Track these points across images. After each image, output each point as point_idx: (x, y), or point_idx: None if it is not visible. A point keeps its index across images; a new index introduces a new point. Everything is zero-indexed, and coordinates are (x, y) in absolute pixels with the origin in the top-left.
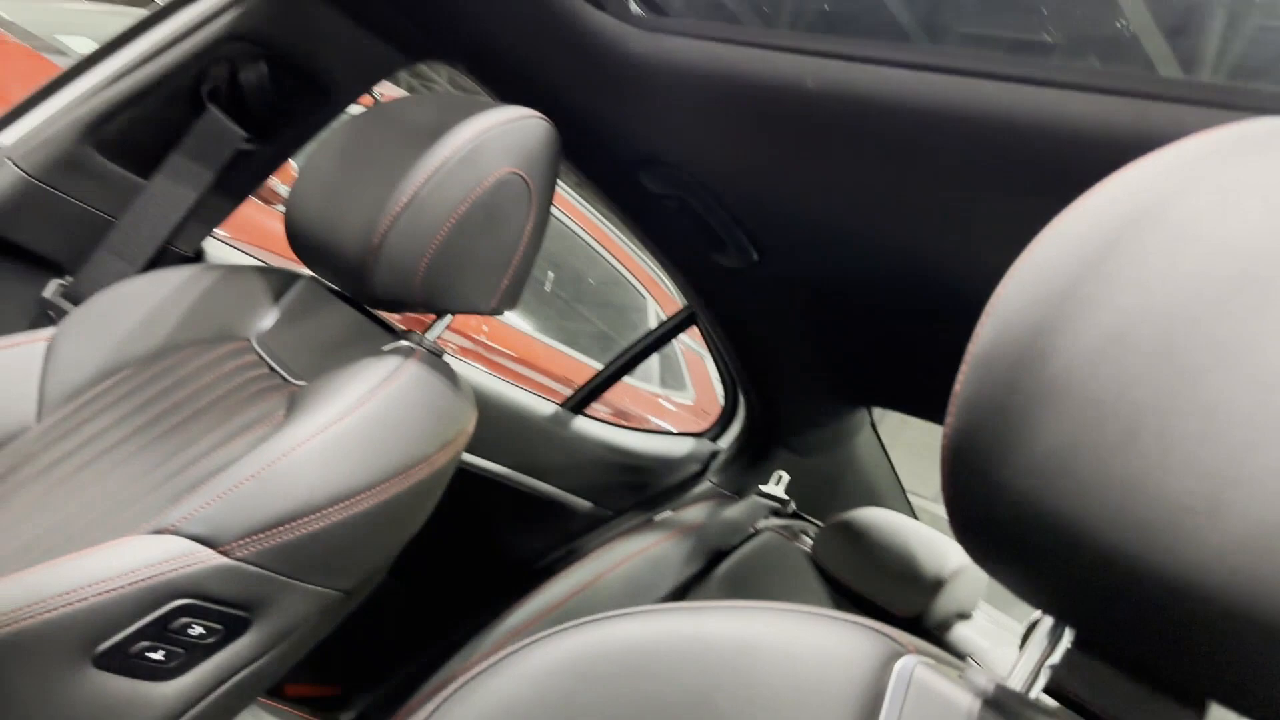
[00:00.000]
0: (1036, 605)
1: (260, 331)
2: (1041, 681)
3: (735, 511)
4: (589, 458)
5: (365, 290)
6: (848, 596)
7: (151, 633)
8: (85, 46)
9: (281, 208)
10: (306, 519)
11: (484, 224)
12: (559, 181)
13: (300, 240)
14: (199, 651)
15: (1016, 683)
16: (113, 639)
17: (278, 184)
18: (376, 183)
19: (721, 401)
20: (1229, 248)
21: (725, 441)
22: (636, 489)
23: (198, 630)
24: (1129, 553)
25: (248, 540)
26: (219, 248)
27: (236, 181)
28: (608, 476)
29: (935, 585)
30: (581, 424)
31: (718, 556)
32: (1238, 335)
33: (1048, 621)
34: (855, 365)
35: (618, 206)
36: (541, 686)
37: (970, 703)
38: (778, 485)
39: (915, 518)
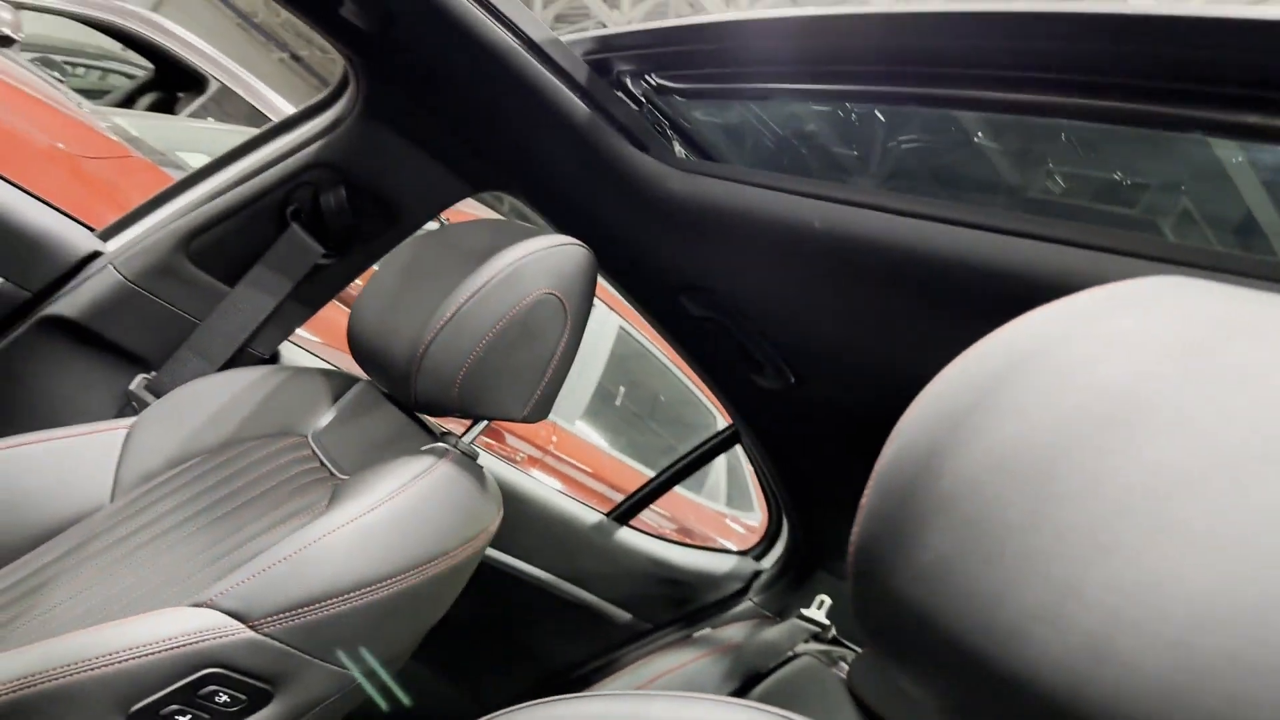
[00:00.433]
0: (931, 706)
1: (317, 429)
2: None
3: (774, 633)
4: (631, 568)
5: (409, 395)
6: None
7: (182, 697)
8: (199, 161)
9: None
10: (331, 601)
11: (520, 339)
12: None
13: (358, 346)
14: (223, 719)
15: None
16: (146, 700)
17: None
18: (427, 298)
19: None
20: (1099, 390)
21: (768, 561)
22: (677, 603)
23: (224, 698)
24: (992, 657)
25: (276, 617)
26: (293, 350)
27: (312, 292)
28: (649, 589)
29: None
30: (625, 535)
31: (754, 678)
32: (1096, 466)
33: None
34: None
35: (662, 327)
36: None
37: None
38: (819, 609)
39: None
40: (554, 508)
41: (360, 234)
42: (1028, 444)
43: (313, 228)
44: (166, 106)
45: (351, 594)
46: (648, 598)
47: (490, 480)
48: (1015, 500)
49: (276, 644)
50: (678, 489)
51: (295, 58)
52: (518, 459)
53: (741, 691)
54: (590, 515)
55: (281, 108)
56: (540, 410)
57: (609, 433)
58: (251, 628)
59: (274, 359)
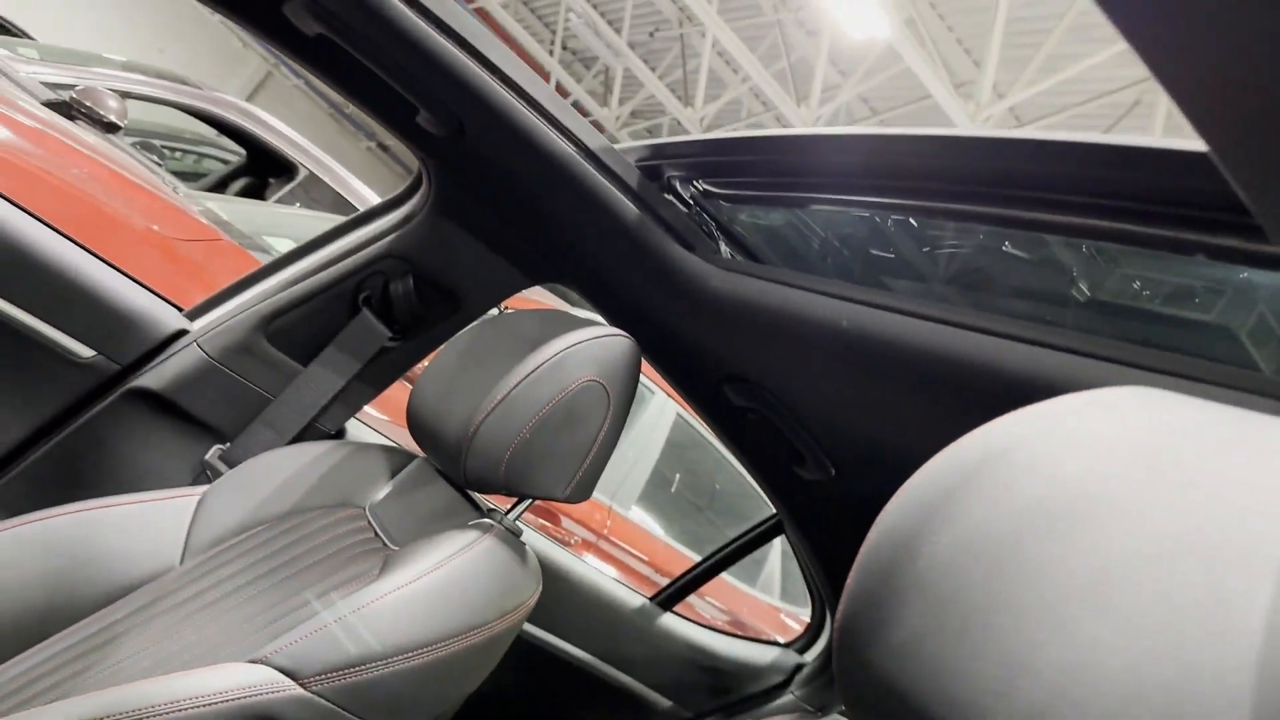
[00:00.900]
0: None
1: (374, 501)
2: None
3: None
4: (672, 654)
5: (460, 472)
6: None
7: None
8: (284, 246)
9: None
10: (376, 664)
11: (565, 423)
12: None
13: (416, 425)
14: None
15: None
16: None
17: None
18: (480, 382)
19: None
20: (1057, 485)
21: (811, 654)
22: (718, 693)
23: None
24: None
25: (325, 676)
26: (358, 427)
27: (378, 373)
28: (690, 676)
29: None
30: (668, 620)
31: None
32: (1049, 553)
33: None
34: None
35: (707, 415)
36: None
37: None
38: None
39: None
40: (597, 588)
41: (425, 320)
42: (992, 531)
43: (382, 313)
44: (257, 191)
45: (395, 658)
46: (688, 685)
47: (531, 556)
48: (980, 582)
49: (324, 702)
50: (732, 580)
51: (382, 146)
52: (571, 542)
53: None
54: (633, 598)
55: (365, 194)
56: (581, 491)
57: (665, 520)
58: (302, 685)
59: (340, 434)
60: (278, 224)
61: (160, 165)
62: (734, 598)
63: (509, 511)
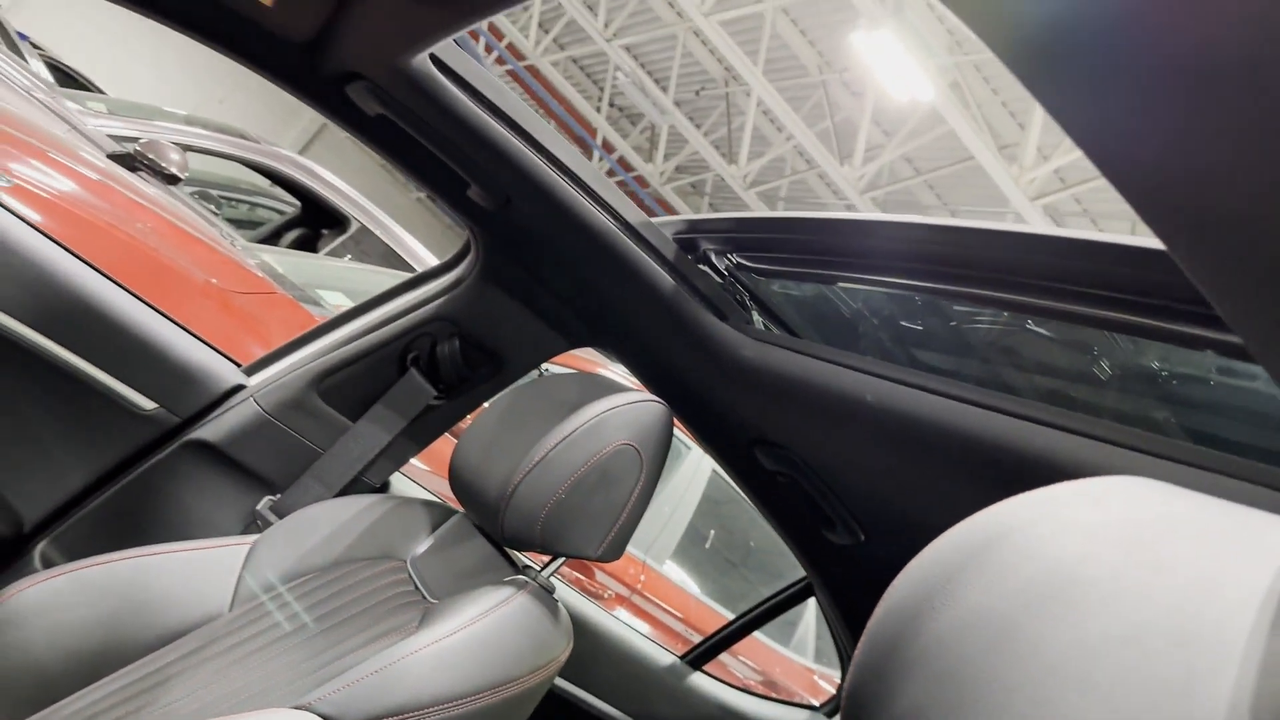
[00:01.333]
0: None
1: (415, 555)
2: None
3: None
4: (701, 713)
5: (498, 529)
6: None
7: None
8: (335, 299)
9: None
10: (411, 714)
11: (599, 485)
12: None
13: (457, 482)
14: None
15: None
16: None
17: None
18: (520, 442)
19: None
20: (1049, 568)
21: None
22: None
23: None
24: None
25: None
26: (401, 480)
27: (423, 430)
28: None
29: None
30: (697, 679)
31: None
32: (1038, 633)
33: None
34: None
35: (737, 477)
36: None
37: None
38: None
39: None
40: (628, 646)
41: (469, 380)
42: (990, 611)
43: (428, 373)
44: (311, 241)
45: (430, 708)
46: None
47: (563, 613)
48: (976, 659)
49: None
50: (766, 640)
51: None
52: (605, 596)
53: None
54: (664, 656)
55: (414, 247)
56: (613, 551)
57: (699, 576)
58: None
59: (385, 488)
60: (328, 277)
61: (217, 214)
62: (767, 658)
63: (543, 569)
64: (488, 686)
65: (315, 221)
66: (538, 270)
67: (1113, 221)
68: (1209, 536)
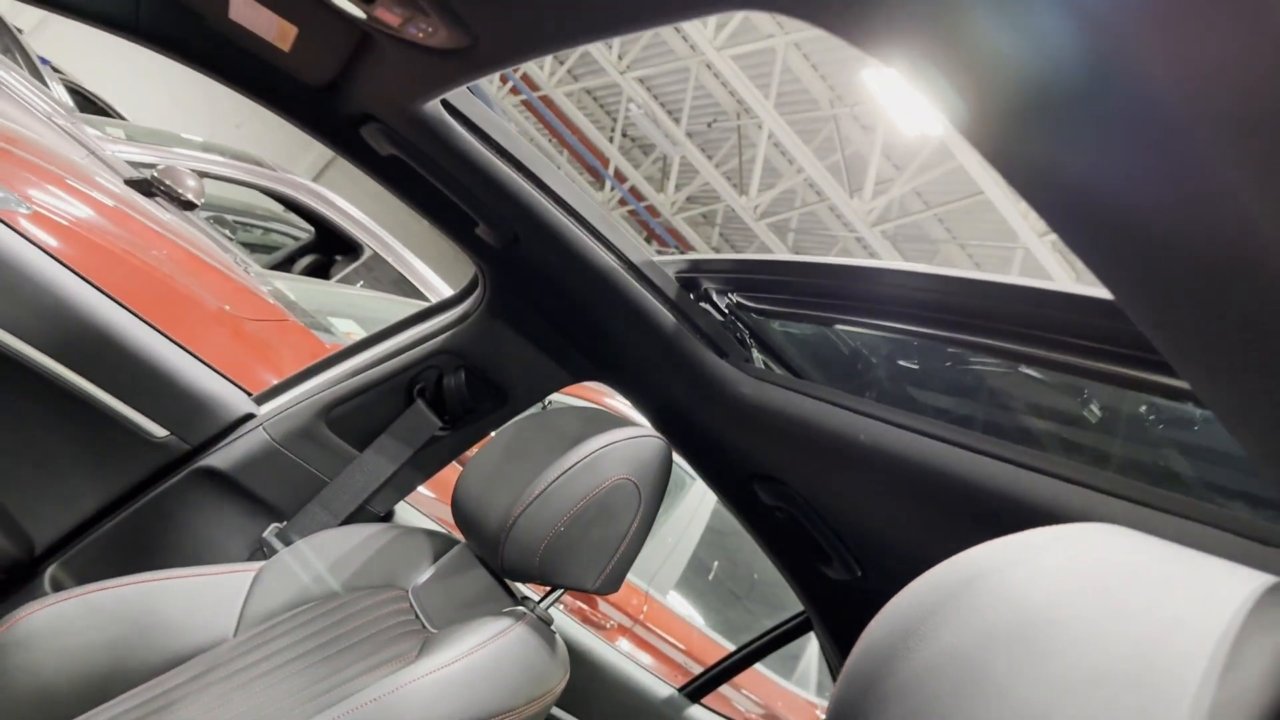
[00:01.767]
0: None
1: (416, 584)
2: None
3: None
4: None
5: (498, 560)
6: None
7: None
8: (346, 326)
9: None
10: None
11: (598, 518)
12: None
13: (459, 513)
14: None
15: None
16: None
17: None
18: (521, 475)
19: None
20: (1022, 612)
21: None
22: None
23: None
24: None
25: None
26: (405, 509)
27: (427, 460)
28: None
29: None
30: (695, 712)
31: None
32: (1006, 673)
33: None
34: None
35: (736, 511)
36: None
37: None
38: None
39: None
40: (626, 677)
41: (474, 412)
42: (961, 652)
43: (434, 404)
44: (324, 267)
45: None
46: None
47: (560, 645)
48: (947, 698)
49: None
50: (770, 675)
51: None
52: (607, 626)
53: None
54: (662, 689)
55: (425, 274)
56: (610, 584)
57: (703, 608)
58: None
59: (389, 517)
60: (340, 304)
61: (232, 240)
62: (770, 691)
63: (542, 600)
64: (484, 716)
65: (328, 248)
66: (543, 306)
67: None
68: (1170, 583)
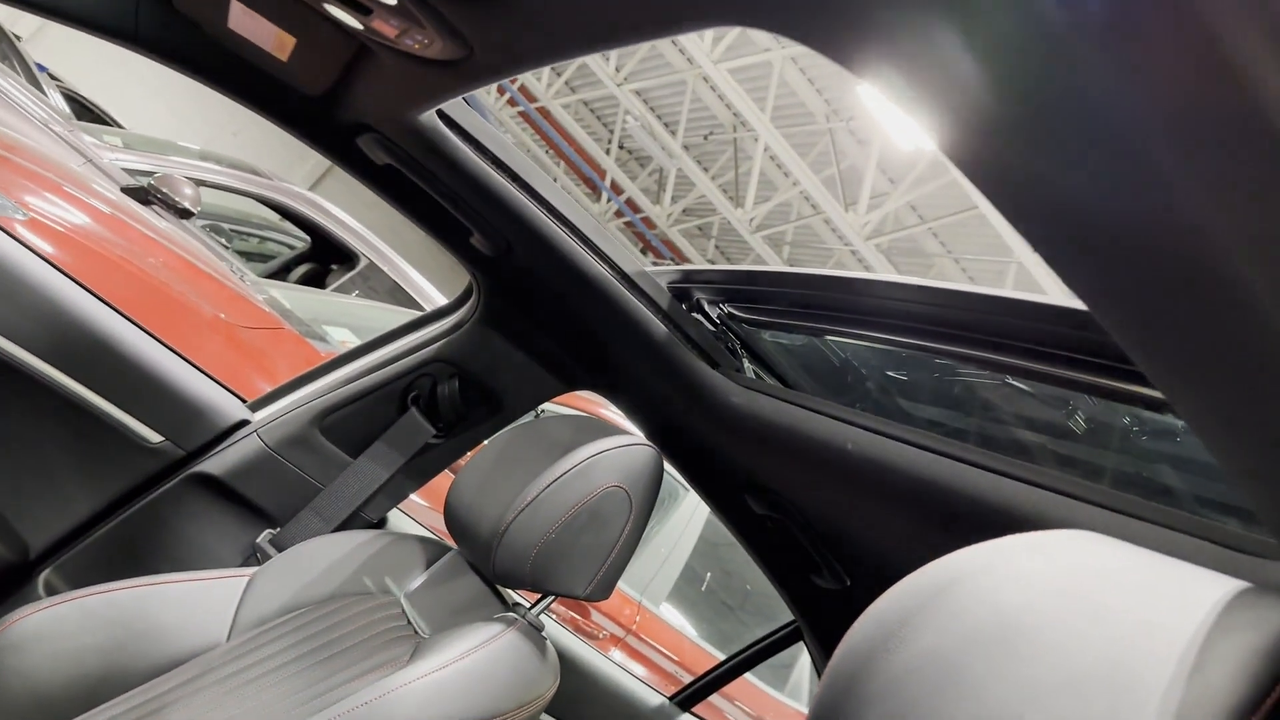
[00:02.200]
0: None
1: (409, 590)
2: None
3: None
4: None
5: (490, 567)
6: None
7: None
8: (341, 335)
9: None
10: None
11: (588, 526)
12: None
13: (451, 519)
14: None
15: None
16: None
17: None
18: (513, 482)
19: None
20: (999, 616)
21: None
22: None
23: None
24: None
25: None
26: (398, 516)
27: (421, 468)
28: None
29: None
30: None
31: None
32: (983, 675)
33: None
34: None
35: (727, 520)
36: None
37: None
38: None
39: None
40: (616, 685)
41: (468, 420)
42: (938, 654)
43: (428, 412)
44: (320, 276)
45: None
46: None
47: (551, 651)
48: (924, 699)
49: None
50: (761, 685)
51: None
52: (599, 636)
53: None
54: (652, 697)
55: (420, 284)
56: (601, 590)
57: (695, 619)
58: None
59: (382, 524)
60: (335, 313)
61: (227, 248)
62: (761, 702)
63: (533, 607)
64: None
65: (324, 257)
66: (536, 315)
67: None
68: (1143, 588)
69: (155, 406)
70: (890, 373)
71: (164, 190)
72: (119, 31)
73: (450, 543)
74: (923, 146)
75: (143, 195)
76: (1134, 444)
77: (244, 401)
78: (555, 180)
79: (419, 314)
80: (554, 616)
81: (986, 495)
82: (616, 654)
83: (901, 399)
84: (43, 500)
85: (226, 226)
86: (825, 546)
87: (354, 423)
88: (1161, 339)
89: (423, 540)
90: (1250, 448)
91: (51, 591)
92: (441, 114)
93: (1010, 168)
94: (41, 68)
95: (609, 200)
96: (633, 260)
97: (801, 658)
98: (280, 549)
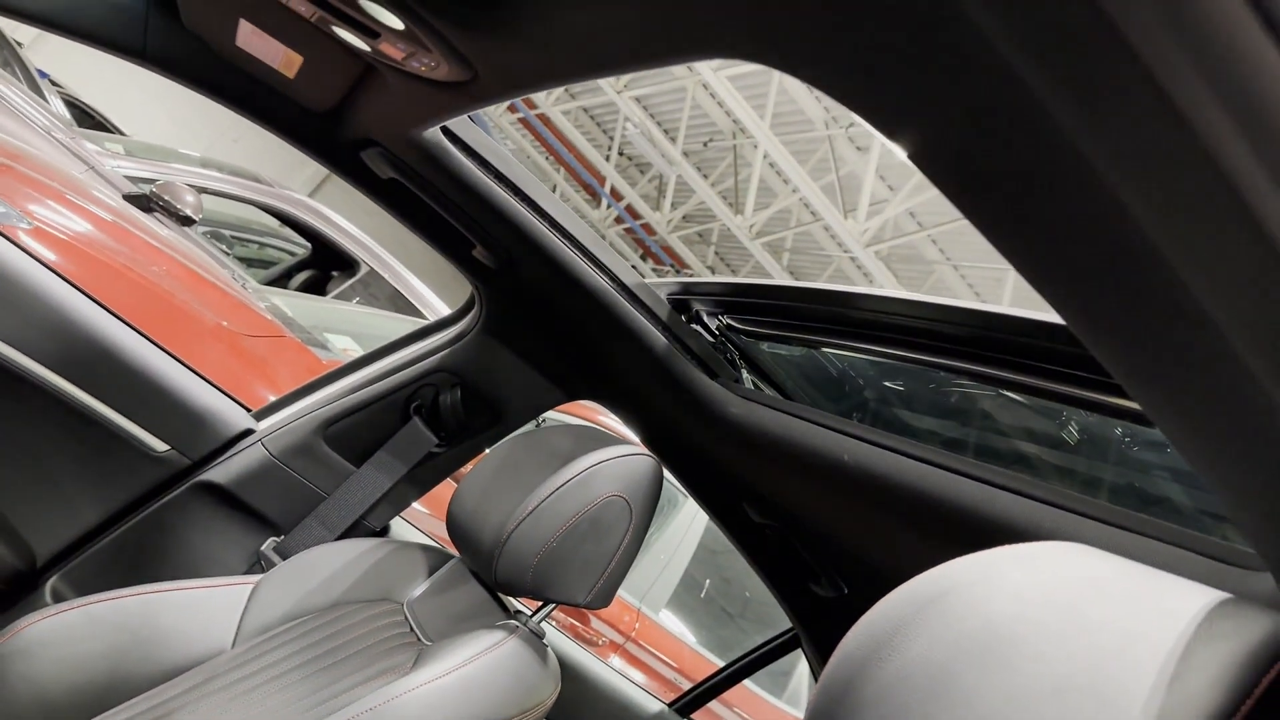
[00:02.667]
0: None
1: (411, 598)
2: None
3: None
4: None
5: (491, 575)
6: None
7: None
8: (342, 342)
9: None
10: None
11: (589, 534)
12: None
13: (454, 527)
14: None
15: None
16: None
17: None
18: (514, 492)
19: None
20: (990, 625)
21: None
22: None
23: None
24: None
25: None
26: (400, 524)
27: (424, 476)
28: None
29: None
30: None
31: None
32: (976, 684)
33: None
34: None
35: (726, 529)
36: None
37: None
38: None
39: None
40: (615, 692)
41: (470, 429)
42: (930, 662)
43: (430, 421)
44: (320, 283)
45: None
46: None
47: (552, 658)
48: (916, 706)
49: None
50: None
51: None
52: (599, 643)
53: None
54: (651, 704)
55: (421, 291)
56: (601, 599)
57: (695, 626)
58: None
59: (385, 532)
60: (336, 320)
61: (229, 255)
62: (761, 709)
63: (534, 614)
64: None
65: (325, 264)
66: (537, 326)
67: None
68: (1128, 598)
69: (161, 415)
70: (886, 385)
71: (166, 197)
72: (127, 48)
73: (452, 551)
74: None
75: (144, 203)
76: (1124, 456)
77: (248, 410)
78: (555, 187)
79: (422, 323)
80: (554, 624)
81: (980, 507)
82: (616, 661)
83: (897, 411)
84: (50, 508)
85: (227, 233)
86: (823, 555)
87: (357, 432)
88: (1130, 351)
89: (425, 548)
90: (1224, 463)
91: (58, 598)
92: (445, 129)
93: (966, 171)
94: (43, 74)
95: (609, 206)
96: (632, 272)
97: (800, 665)
98: (284, 557)
